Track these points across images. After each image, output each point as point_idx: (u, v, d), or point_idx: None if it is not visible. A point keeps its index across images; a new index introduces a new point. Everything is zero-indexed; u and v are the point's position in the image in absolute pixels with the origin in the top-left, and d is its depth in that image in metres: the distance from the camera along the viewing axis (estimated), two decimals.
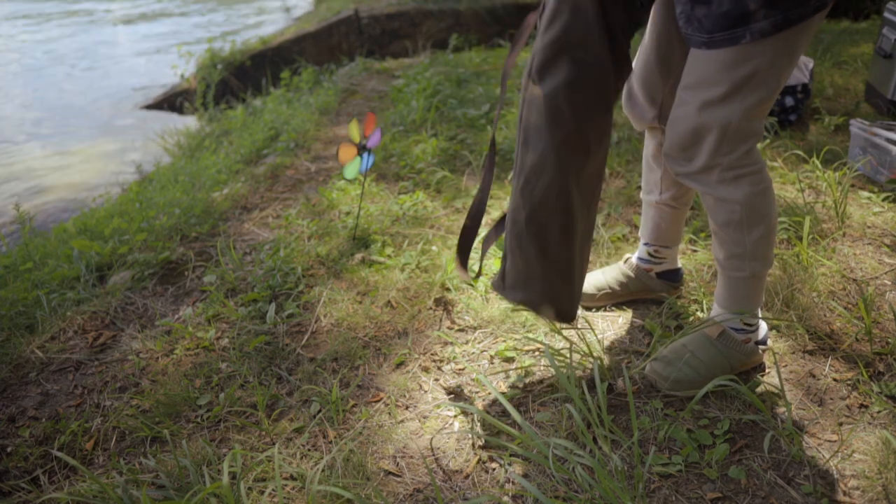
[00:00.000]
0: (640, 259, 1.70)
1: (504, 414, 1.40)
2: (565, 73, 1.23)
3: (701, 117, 1.22)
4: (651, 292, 1.71)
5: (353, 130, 2.07)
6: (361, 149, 2.09)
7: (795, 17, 1.12)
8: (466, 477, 1.25)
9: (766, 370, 1.46)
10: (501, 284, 1.41)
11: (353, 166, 2.09)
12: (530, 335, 1.62)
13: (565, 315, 1.39)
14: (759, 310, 1.43)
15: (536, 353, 1.56)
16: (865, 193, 2.19)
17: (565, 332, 1.62)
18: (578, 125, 1.27)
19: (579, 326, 1.64)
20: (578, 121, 1.27)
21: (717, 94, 1.20)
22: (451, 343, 1.64)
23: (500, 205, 2.35)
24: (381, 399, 1.48)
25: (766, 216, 1.30)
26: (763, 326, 1.46)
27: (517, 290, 1.38)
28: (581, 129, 1.27)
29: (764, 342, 1.45)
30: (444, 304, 1.80)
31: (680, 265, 1.72)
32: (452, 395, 1.48)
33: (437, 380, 1.53)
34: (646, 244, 1.68)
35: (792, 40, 1.16)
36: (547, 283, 1.35)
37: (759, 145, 1.35)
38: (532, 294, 1.37)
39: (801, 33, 1.16)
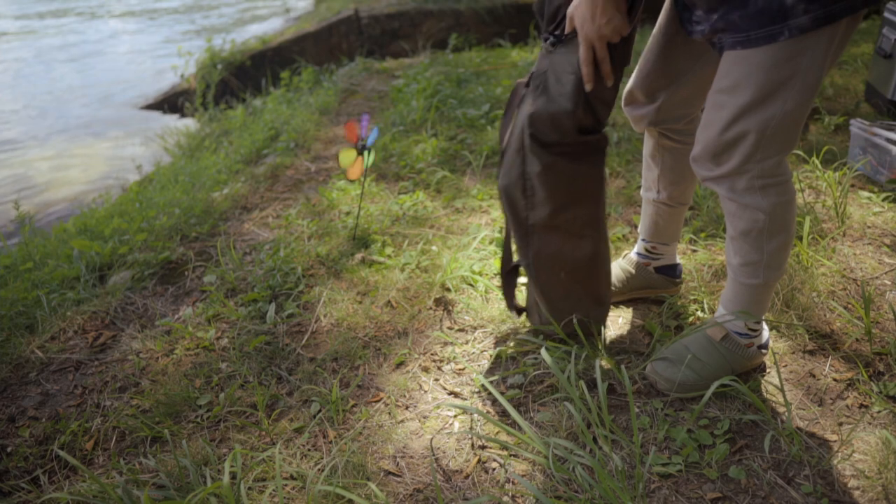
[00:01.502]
0: (637, 254, 1.71)
1: (504, 414, 1.40)
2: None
3: (738, 122, 1.18)
4: (651, 289, 1.71)
5: (351, 132, 2.07)
6: (361, 148, 2.09)
7: (839, 11, 1.05)
8: (466, 477, 1.25)
9: (767, 370, 1.46)
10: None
11: (357, 167, 2.09)
12: (531, 335, 1.62)
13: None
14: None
15: (536, 353, 1.56)
16: (865, 193, 2.19)
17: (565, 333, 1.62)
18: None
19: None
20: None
21: (755, 97, 1.14)
22: (451, 343, 1.64)
23: (500, 205, 2.34)
24: (381, 399, 1.48)
25: (787, 226, 1.28)
26: (766, 331, 1.45)
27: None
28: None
29: (766, 346, 1.44)
30: (444, 304, 1.80)
31: (678, 261, 1.72)
32: (452, 395, 1.48)
33: (437, 380, 1.53)
34: (643, 240, 1.69)
35: (835, 36, 1.10)
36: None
37: None
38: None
39: (845, 29, 1.10)
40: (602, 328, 1.53)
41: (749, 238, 1.29)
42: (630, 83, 1.46)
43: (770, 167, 1.22)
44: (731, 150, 1.21)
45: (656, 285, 1.71)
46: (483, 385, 1.47)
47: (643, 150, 1.59)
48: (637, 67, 1.44)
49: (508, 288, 1.60)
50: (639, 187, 2.39)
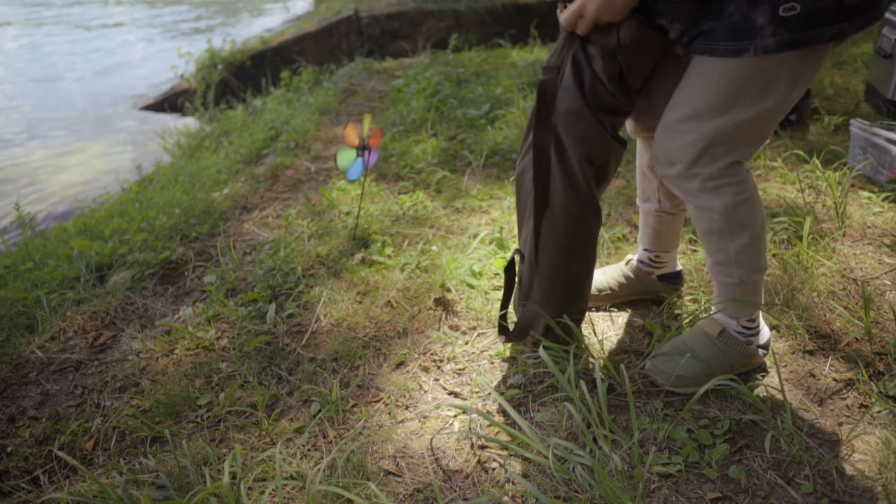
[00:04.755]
0: (640, 262, 1.69)
1: (504, 414, 1.40)
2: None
3: (690, 125, 1.21)
4: (651, 293, 1.71)
5: (351, 133, 2.07)
6: (361, 149, 2.09)
7: (805, 39, 1.09)
8: (466, 477, 1.25)
9: (767, 370, 1.46)
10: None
11: (355, 168, 2.09)
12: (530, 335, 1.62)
13: None
14: (760, 312, 1.42)
15: (536, 352, 1.56)
16: (865, 193, 2.20)
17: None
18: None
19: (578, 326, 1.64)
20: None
21: (710, 105, 1.18)
22: (451, 343, 1.64)
23: (500, 205, 2.35)
24: (381, 399, 1.48)
25: (748, 225, 1.29)
26: (766, 332, 1.45)
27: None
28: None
29: (766, 347, 1.44)
30: (444, 304, 1.80)
31: (680, 267, 1.72)
32: (452, 395, 1.48)
33: (437, 380, 1.53)
34: (646, 250, 1.67)
35: (801, 62, 1.13)
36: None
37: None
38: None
39: (810, 59, 1.13)
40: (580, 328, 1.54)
41: (712, 238, 1.32)
42: None
43: (719, 170, 1.24)
44: (680, 151, 1.24)
45: (657, 291, 1.70)
46: (483, 385, 1.47)
47: (637, 162, 1.58)
48: None
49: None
50: None
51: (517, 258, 1.51)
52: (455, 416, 1.41)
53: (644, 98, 1.42)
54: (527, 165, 1.40)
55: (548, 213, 1.37)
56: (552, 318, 1.45)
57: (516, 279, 1.53)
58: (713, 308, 1.44)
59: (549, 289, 1.44)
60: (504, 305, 1.54)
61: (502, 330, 1.53)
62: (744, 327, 1.40)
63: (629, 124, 1.50)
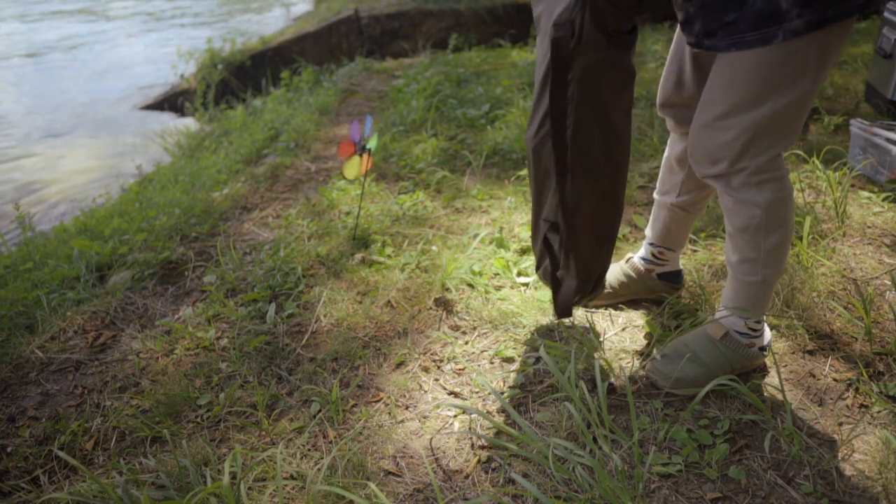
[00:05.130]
0: (642, 259, 1.69)
1: (504, 414, 1.40)
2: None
3: (730, 121, 1.20)
4: (651, 293, 1.71)
5: (353, 131, 2.08)
6: (361, 149, 2.09)
7: (832, 15, 1.08)
8: (466, 477, 1.25)
9: (767, 370, 1.46)
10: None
11: (353, 166, 2.09)
12: (530, 335, 1.62)
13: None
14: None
15: (537, 352, 1.56)
16: (865, 193, 2.20)
17: (565, 332, 1.62)
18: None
19: (580, 326, 1.64)
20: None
21: (747, 97, 1.17)
22: (451, 343, 1.64)
23: (500, 205, 2.34)
24: (381, 399, 1.48)
25: (784, 223, 1.29)
26: (767, 333, 1.44)
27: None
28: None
29: (766, 349, 1.44)
30: (444, 304, 1.80)
31: (681, 267, 1.72)
32: (452, 395, 1.48)
33: (437, 380, 1.53)
34: (651, 244, 1.67)
35: (827, 41, 1.12)
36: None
37: None
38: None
39: (838, 33, 1.12)
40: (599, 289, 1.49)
41: (746, 235, 1.30)
42: (661, 86, 1.46)
43: (764, 163, 1.23)
44: (724, 148, 1.23)
45: (656, 290, 1.70)
46: (483, 385, 1.47)
47: (665, 153, 1.56)
48: (665, 69, 1.44)
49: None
50: (639, 187, 2.39)
51: (544, 225, 1.43)
52: (455, 416, 1.41)
53: (678, 89, 1.41)
54: (546, 134, 1.33)
55: (587, 172, 1.32)
56: (592, 278, 1.43)
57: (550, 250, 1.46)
58: (720, 307, 1.43)
59: (588, 252, 1.40)
60: (550, 274, 1.47)
61: (558, 305, 1.46)
62: (750, 329, 1.39)
63: (669, 122, 1.49)
